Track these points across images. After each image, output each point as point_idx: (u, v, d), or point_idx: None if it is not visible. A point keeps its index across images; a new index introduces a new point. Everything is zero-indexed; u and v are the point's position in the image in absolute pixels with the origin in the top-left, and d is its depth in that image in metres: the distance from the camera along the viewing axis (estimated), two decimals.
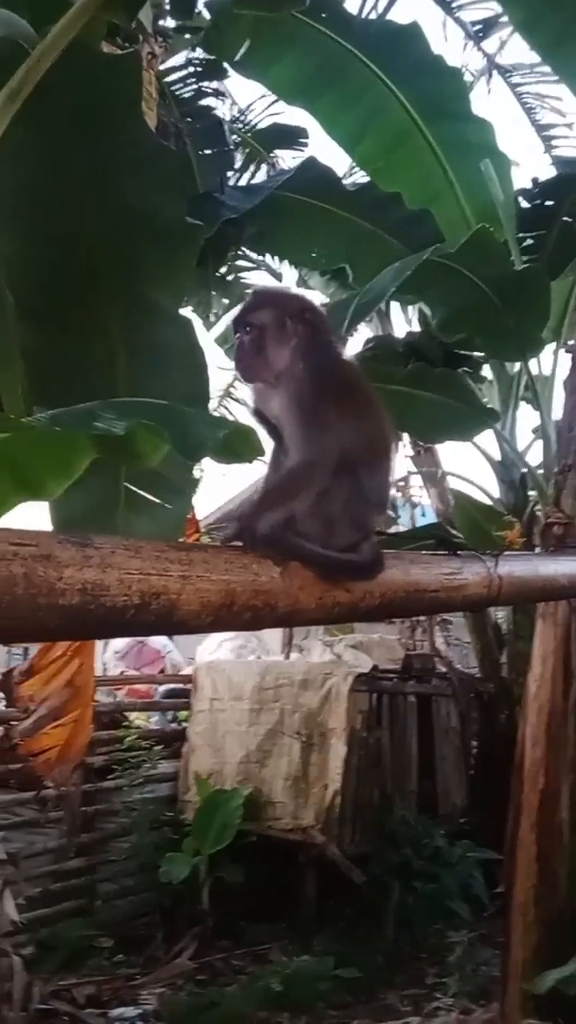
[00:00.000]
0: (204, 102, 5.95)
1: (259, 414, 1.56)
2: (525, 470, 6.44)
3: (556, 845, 3.78)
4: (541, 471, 5.83)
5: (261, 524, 1.35)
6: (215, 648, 7.33)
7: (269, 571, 1.27)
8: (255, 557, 1.27)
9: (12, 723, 4.70)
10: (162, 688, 7.57)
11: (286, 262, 6.71)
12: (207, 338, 6.69)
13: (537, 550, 4.57)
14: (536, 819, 3.82)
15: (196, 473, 4.01)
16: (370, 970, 5.22)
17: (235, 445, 2.97)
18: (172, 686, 7.46)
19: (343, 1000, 4.96)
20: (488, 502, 6.50)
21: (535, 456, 6.42)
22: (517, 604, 4.18)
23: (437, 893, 5.69)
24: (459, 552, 1.78)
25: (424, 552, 1.76)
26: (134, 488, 3.69)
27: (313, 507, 1.42)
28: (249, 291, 1.72)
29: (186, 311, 5.03)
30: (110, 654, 8.04)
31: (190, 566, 1.13)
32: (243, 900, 5.91)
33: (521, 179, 5.74)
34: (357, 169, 6.59)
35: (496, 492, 6.84)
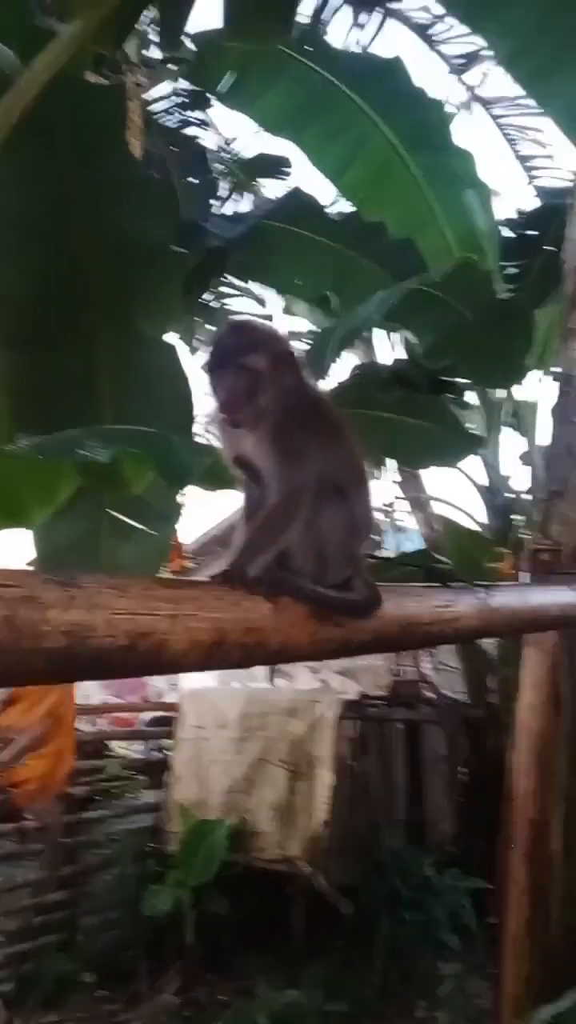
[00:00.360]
0: (189, 131, 6.00)
1: (236, 458, 1.52)
2: (511, 496, 6.46)
3: (548, 876, 3.73)
4: (528, 497, 5.84)
5: (252, 568, 1.32)
6: (199, 675, 7.26)
7: (260, 608, 1.25)
8: (245, 593, 1.24)
9: None
10: (145, 716, 7.48)
11: (271, 290, 6.73)
12: (191, 364, 6.70)
13: (522, 576, 4.56)
14: (527, 849, 3.78)
15: (179, 499, 3.98)
16: (359, 1003, 5.12)
17: (220, 472, 2.94)
18: (156, 714, 7.37)
19: None
20: (475, 527, 6.51)
21: (520, 481, 6.46)
22: (508, 635, 4.15)
23: (426, 923, 5.61)
24: (450, 584, 1.76)
25: (416, 584, 1.74)
26: (118, 515, 3.67)
27: (303, 541, 1.40)
28: (229, 321, 1.63)
29: (170, 337, 5.04)
30: (92, 682, 7.95)
31: (179, 604, 1.10)
32: (229, 932, 5.80)
33: (501, 209, 5.82)
34: (342, 198, 6.65)
35: (482, 517, 6.86)
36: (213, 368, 1.44)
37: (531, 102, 6.48)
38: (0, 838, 5.41)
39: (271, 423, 1.42)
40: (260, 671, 7.45)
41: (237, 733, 6.23)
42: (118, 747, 6.72)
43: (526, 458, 6.30)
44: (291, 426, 1.43)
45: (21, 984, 5.16)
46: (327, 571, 1.44)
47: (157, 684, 8.30)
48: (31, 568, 3.23)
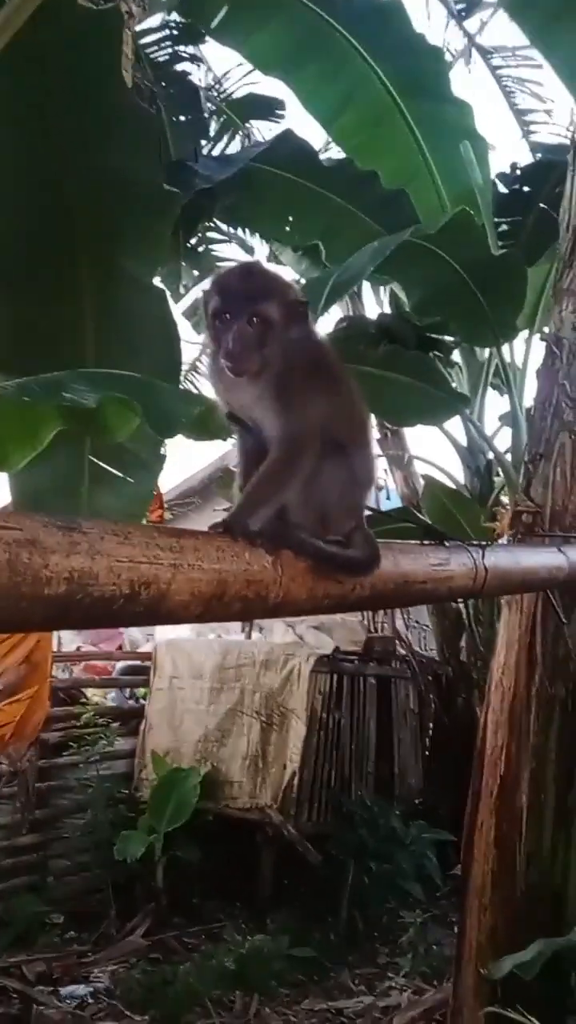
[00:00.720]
0: (180, 67, 5.79)
1: (231, 408, 1.45)
2: (492, 456, 6.45)
3: (515, 830, 3.79)
4: (509, 457, 5.84)
5: (253, 521, 1.28)
6: (175, 626, 7.25)
7: (261, 560, 1.21)
8: (247, 545, 1.21)
9: None
10: (120, 665, 7.50)
11: (258, 236, 6.59)
12: (175, 310, 6.57)
13: (504, 538, 4.57)
14: (496, 804, 3.83)
15: (163, 449, 3.92)
16: (324, 949, 5.24)
17: (208, 422, 2.89)
18: (130, 663, 7.39)
19: (296, 979, 4.98)
20: (454, 487, 6.51)
21: (502, 443, 6.45)
22: (498, 596, 4.17)
23: (392, 874, 5.73)
24: (446, 543, 1.74)
25: (412, 542, 1.72)
26: (99, 462, 3.60)
27: (305, 495, 1.36)
28: (242, 264, 1.49)
29: (157, 281, 4.92)
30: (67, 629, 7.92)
31: (181, 554, 1.07)
32: (198, 878, 5.90)
33: (496, 163, 5.71)
34: (333, 145, 6.48)
35: (461, 477, 6.86)
36: (221, 313, 1.35)
37: (532, 53, 6.35)
38: None
39: (275, 376, 1.36)
40: (235, 624, 7.47)
41: (212, 684, 6.27)
42: (93, 695, 6.73)
43: (508, 419, 6.28)
44: (295, 379, 1.37)
45: None
46: (328, 525, 1.41)
47: (133, 634, 8.29)
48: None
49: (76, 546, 0.92)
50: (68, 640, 8.05)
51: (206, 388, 8.33)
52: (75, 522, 0.95)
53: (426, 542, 1.73)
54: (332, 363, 1.51)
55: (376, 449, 7.47)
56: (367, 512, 1.57)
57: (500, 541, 4.35)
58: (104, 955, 5.22)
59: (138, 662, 7.20)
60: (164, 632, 7.35)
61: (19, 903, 5.41)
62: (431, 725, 7.20)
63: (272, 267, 1.86)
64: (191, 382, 9.06)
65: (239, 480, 1.43)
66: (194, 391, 8.24)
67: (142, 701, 6.82)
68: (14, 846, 5.64)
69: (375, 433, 7.65)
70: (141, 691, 6.98)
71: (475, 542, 1.80)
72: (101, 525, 0.98)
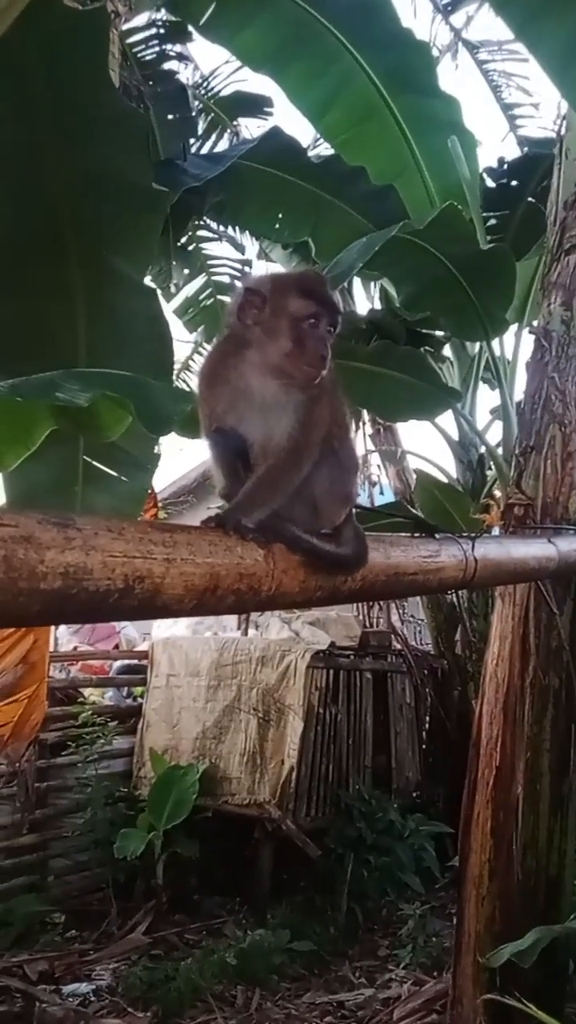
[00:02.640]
0: (167, 65, 5.78)
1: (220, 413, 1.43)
2: (484, 450, 6.48)
3: (511, 820, 3.82)
4: (500, 451, 5.86)
5: (248, 519, 1.30)
6: (171, 624, 7.27)
7: (253, 554, 1.23)
8: (239, 539, 1.23)
9: None
10: (117, 664, 7.50)
11: (248, 233, 6.59)
12: (166, 308, 6.57)
13: (495, 530, 4.60)
14: (492, 795, 3.86)
15: (156, 448, 3.93)
16: (324, 943, 5.27)
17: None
18: (127, 662, 7.39)
19: (297, 973, 5.01)
20: (446, 481, 6.53)
21: (493, 436, 6.47)
22: (488, 587, 4.19)
23: (390, 866, 5.77)
24: (436, 535, 1.76)
25: (403, 535, 1.74)
26: (93, 462, 3.61)
27: (299, 492, 1.38)
28: (313, 271, 1.49)
29: (148, 280, 4.92)
30: (63, 629, 7.93)
31: (174, 548, 1.08)
32: (198, 875, 5.93)
33: (483, 158, 5.73)
34: (321, 141, 6.50)
35: (453, 472, 6.88)
36: (319, 318, 1.36)
37: (518, 47, 6.36)
38: None
39: (321, 386, 1.39)
40: (232, 621, 7.49)
41: (209, 681, 6.29)
42: (90, 694, 6.74)
43: (499, 413, 6.31)
44: (324, 389, 1.40)
45: None
46: (319, 519, 1.43)
47: (129, 632, 8.30)
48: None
49: (71, 542, 0.94)
50: (65, 640, 8.06)
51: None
52: (70, 518, 0.96)
53: (416, 535, 1.75)
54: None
55: (365, 446, 7.54)
56: (359, 507, 1.58)
57: (493, 532, 4.38)
58: (106, 953, 5.24)
59: (135, 661, 7.21)
60: (160, 630, 7.37)
61: (20, 903, 5.42)
62: (427, 718, 7.24)
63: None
64: (184, 380, 9.06)
65: (223, 484, 1.43)
66: (187, 389, 8.25)
67: (139, 699, 6.84)
68: (14, 846, 5.65)
69: (368, 429, 7.69)
70: (138, 690, 6.99)
71: (465, 534, 1.82)
72: (95, 521, 1.00)
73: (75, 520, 0.97)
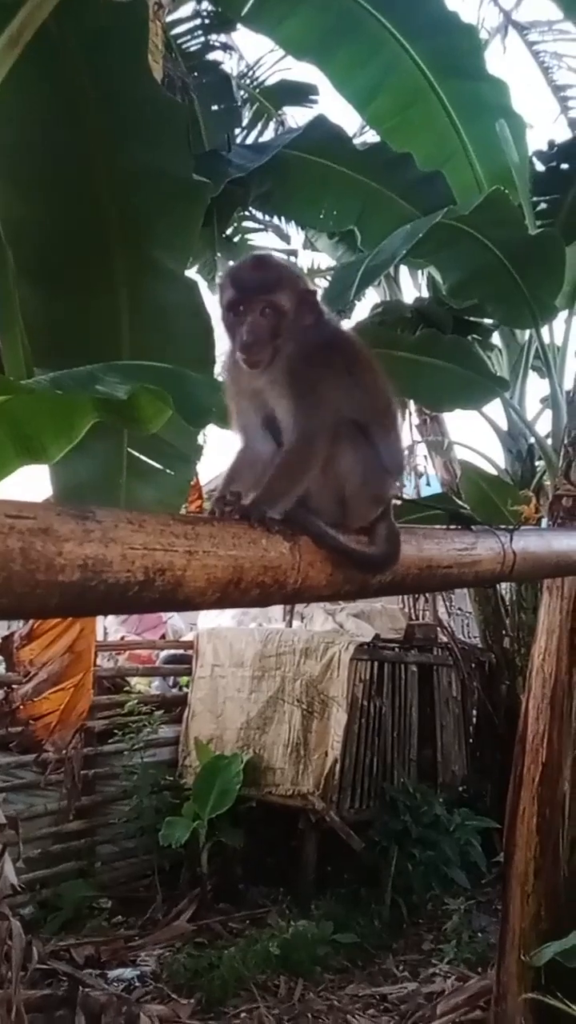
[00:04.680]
0: (211, 56, 5.78)
1: (242, 398, 1.45)
2: (533, 440, 6.36)
3: (557, 817, 3.77)
4: (550, 441, 5.75)
5: (272, 511, 1.28)
6: (216, 615, 7.30)
7: (278, 546, 1.21)
8: (263, 532, 1.21)
9: (13, 687, 4.68)
10: (163, 654, 7.57)
11: (293, 223, 6.56)
12: (211, 300, 6.58)
13: (544, 522, 4.51)
14: (538, 791, 3.80)
15: (200, 439, 3.93)
16: (368, 936, 5.26)
17: None
18: (173, 652, 7.46)
19: (340, 965, 5.01)
20: (494, 472, 6.43)
21: (543, 426, 6.36)
22: (529, 580, 4.12)
23: (435, 860, 5.73)
24: (473, 527, 1.72)
25: (437, 527, 1.71)
26: (137, 454, 3.63)
27: (322, 482, 1.36)
28: (252, 255, 1.48)
29: (191, 272, 4.93)
30: (111, 619, 8.03)
31: (196, 540, 1.08)
32: (242, 864, 5.96)
33: (533, 142, 5.61)
34: (367, 129, 6.43)
35: (502, 462, 6.78)
36: (235, 305, 1.36)
37: (569, 27, 6.21)
38: (21, 768, 5.53)
39: (287, 364, 1.36)
40: (277, 612, 7.50)
41: (253, 672, 6.31)
42: (136, 683, 6.82)
43: (548, 402, 6.19)
44: (307, 367, 1.37)
45: (41, 909, 5.33)
46: (349, 513, 1.40)
47: (175, 623, 8.37)
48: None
49: (90, 534, 0.94)
50: (112, 630, 8.17)
51: None
52: (89, 511, 0.96)
53: (452, 527, 1.71)
54: (350, 348, 1.49)
55: (411, 436, 7.45)
56: (400, 500, 1.55)
57: (542, 524, 4.29)
58: (151, 939, 5.30)
59: (181, 651, 7.27)
60: (206, 621, 7.41)
61: (68, 888, 5.52)
62: (474, 712, 7.16)
63: (282, 257, 1.85)
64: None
65: (226, 475, 1.44)
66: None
67: (185, 689, 6.90)
68: (62, 832, 5.75)
69: (415, 419, 7.60)
70: (184, 679, 7.05)
71: (504, 527, 1.78)
72: (115, 513, 0.99)
73: (95, 512, 0.96)
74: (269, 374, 1.36)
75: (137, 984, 4.74)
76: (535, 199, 5.29)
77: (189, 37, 5.58)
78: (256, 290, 1.35)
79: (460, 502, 5.70)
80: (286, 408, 1.36)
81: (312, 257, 7.73)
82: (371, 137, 6.21)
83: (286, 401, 1.36)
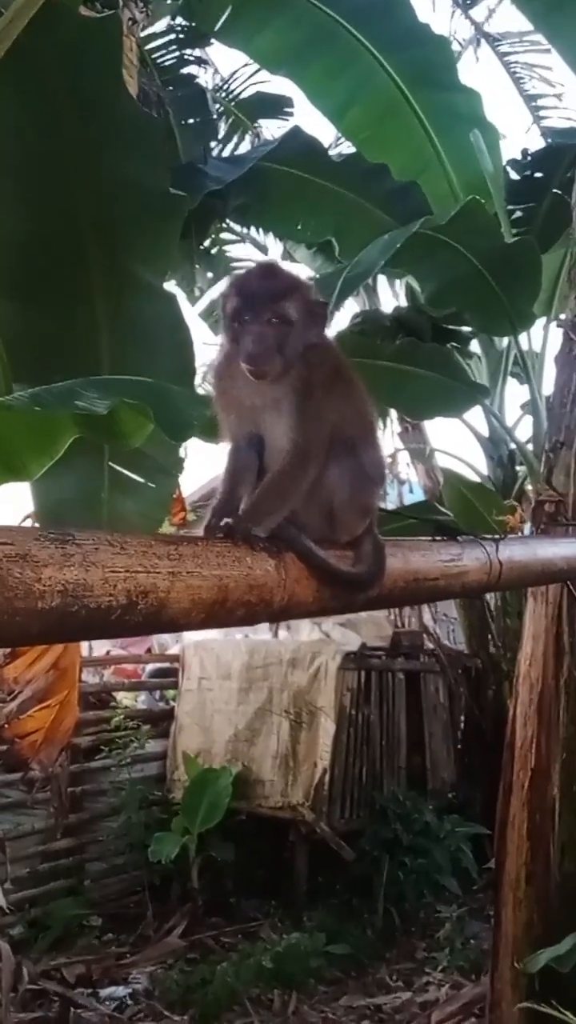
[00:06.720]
0: (186, 70, 5.78)
1: (232, 410, 1.41)
2: (514, 446, 6.39)
3: (548, 822, 3.76)
4: (531, 447, 5.78)
5: (258, 528, 1.26)
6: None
7: (263, 564, 1.20)
8: (248, 549, 1.20)
9: None
10: (149, 668, 7.53)
11: (271, 235, 6.58)
12: (191, 312, 6.58)
13: (527, 527, 4.53)
14: (527, 797, 3.80)
15: (181, 452, 3.93)
16: (361, 946, 5.24)
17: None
18: (159, 666, 7.42)
19: (334, 976, 4.99)
20: (476, 479, 6.45)
21: (523, 432, 6.39)
22: (515, 588, 4.12)
23: (427, 868, 5.71)
24: (459, 538, 1.72)
25: (423, 539, 1.70)
26: (119, 468, 3.62)
27: (311, 499, 1.34)
28: (261, 263, 1.43)
29: (169, 285, 4.92)
30: None
31: (179, 561, 1.06)
32: (233, 878, 5.92)
33: (507, 151, 5.65)
34: (342, 140, 6.45)
35: (484, 469, 6.80)
36: (241, 314, 1.31)
37: (539, 38, 6.27)
38: (7, 787, 5.47)
39: (297, 381, 1.32)
40: (263, 623, 7.48)
41: (240, 684, 6.28)
42: (123, 698, 6.77)
43: (528, 408, 6.22)
44: (315, 385, 1.34)
45: (30, 928, 5.27)
46: (336, 527, 1.39)
47: (161, 636, 8.32)
48: (28, 524, 3.19)
49: (70, 558, 0.92)
50: (97, 644, 8.10)
51: None
52: (68, 533, 0.95)
53: (438, 538, 1.71)
54: (343, 365, 1.47)
55: (391, 446, 7.47)
56: (382, 511, 1.54)
57: (525, 530, 4.30)
58: (142, 956, 5.26)
59: (167, 664, 7.23)
60: (192, 634, 7.38)
61: (57, 906, 5.46)
62: (462, 718, 7.16)
63: (289, 266, 1.83)
64: (210, 384, 9.06)
65: (223, 488, 1.40)
66: (207, 393, 8.24)
67: (172, 703, 6.86)
68: (50, 850, 5.69)
69: (396, 427, 7.63)
70: (171, 693, 7.01)
71: (488, 536, 1.78)
72: (96, 535, 0.98)
73: (74, 535, 0.95)
74: (274, 390, 1.33)
75: (129, 1002, 4.70)
76: (510, 208, 5.33)
77: (164, 52, 5.58)
78: (263, 299, 1.31)
79: (443, 509, 5.71)
80: (286, 425, 1.33)
81: (291, 269, 7.75)
82: (347, 148, 6.24)
83: (287, 419, 1.33)
